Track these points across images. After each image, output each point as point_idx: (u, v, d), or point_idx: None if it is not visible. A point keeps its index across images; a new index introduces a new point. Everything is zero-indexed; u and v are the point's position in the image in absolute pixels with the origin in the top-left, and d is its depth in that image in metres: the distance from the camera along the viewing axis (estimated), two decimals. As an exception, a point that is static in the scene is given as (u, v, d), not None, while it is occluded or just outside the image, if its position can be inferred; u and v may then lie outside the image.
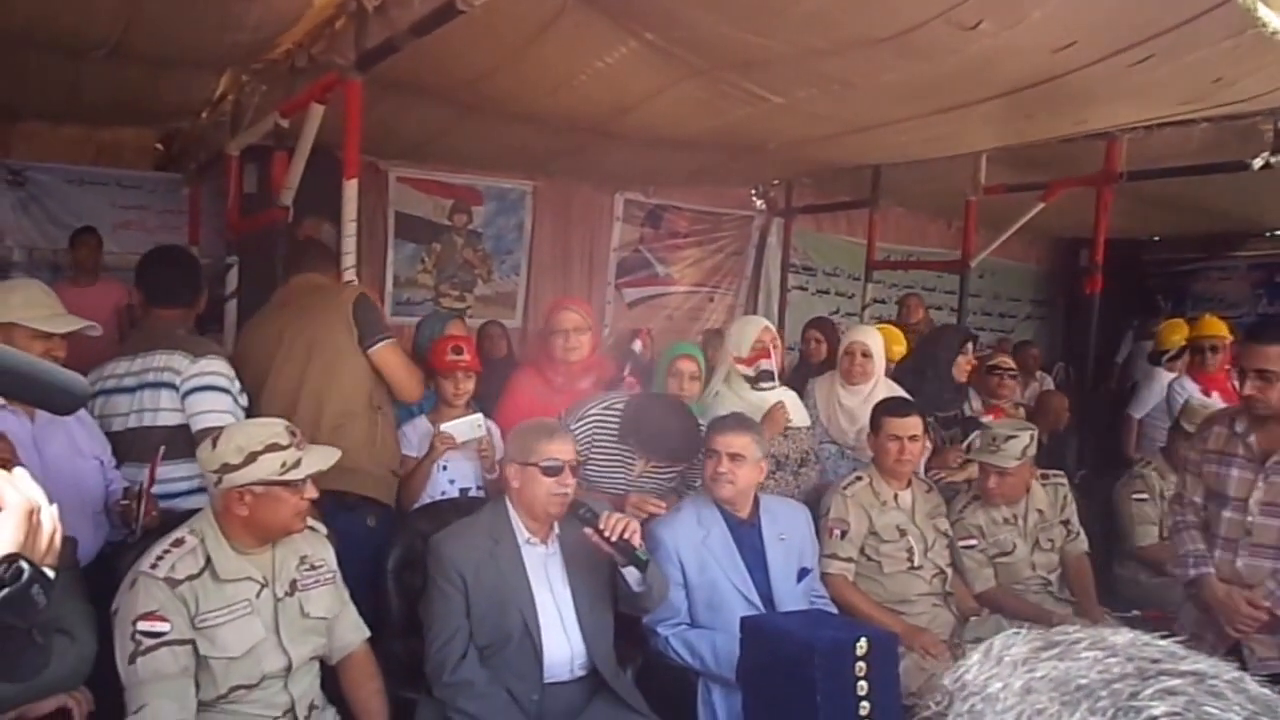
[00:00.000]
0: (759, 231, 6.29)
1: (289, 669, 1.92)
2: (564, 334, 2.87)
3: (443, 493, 2.75)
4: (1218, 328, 4.36)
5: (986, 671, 0.49)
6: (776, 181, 5.99)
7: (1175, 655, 0.46)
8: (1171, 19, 2.26)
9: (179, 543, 1.87)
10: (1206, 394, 4.04)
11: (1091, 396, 5.01)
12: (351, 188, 2.85)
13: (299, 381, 2.57)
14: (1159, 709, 0.43)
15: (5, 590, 0.62)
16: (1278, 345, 2.25)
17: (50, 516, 0.68)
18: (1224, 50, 2.41)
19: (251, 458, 1.85)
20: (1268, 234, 6.39)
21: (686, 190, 5.87)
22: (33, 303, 2.11)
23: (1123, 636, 0.48)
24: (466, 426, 2.70)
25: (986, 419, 3.60)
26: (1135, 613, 3.13)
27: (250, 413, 2.43)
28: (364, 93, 2.77)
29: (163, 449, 2.25)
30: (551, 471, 2.17)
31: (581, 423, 2.64)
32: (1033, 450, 2.95)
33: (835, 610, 2.59)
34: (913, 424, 2.81)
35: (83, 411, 2.21)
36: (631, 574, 2.15)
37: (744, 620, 2.19)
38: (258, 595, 1.90)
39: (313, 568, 2.01)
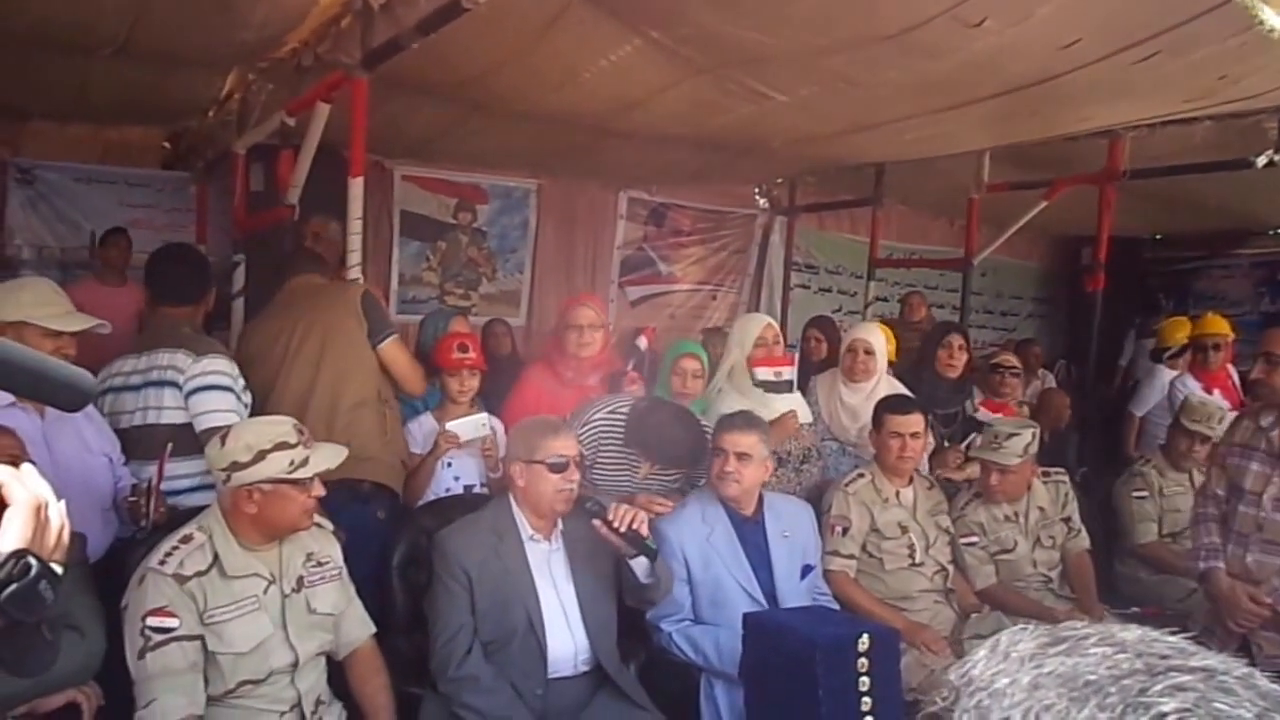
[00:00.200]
0: (762, 230, 6.28)
1: (296, 664, 1.94)
2: (578, 329, 2.89)
3: (447, 489, 2.77)
4: (1220, 326, 4.36)
5: (993, 667, 0.49)
6: (780, 180, 5.98)
7: (1185, 652, 0.46)
8: (1177, 16, 2.25)
9: (187, 539, 1.88)
10: (1208, 392, 4.04)
11: (1093, 394, 5.01)
12: (357, 186, 2.86)
13: (314, 372, 2.60)
14: (1169, 705, 0.42)
15: (13, 586, 0.62)
16: None
17: (58, 512, 0.68)
18: (1230, 47, 2.40)
19: (260, 456, 1.86)
20: (1270, 232, 6.37)
21: (690, 188, 5.86)
22: (43, 301, 2.12)
23: (1131, 633, 0.48)
24: (471, 425, 2.72)
25: (983, 413, 3.60)
26: (1135, 610, 3.13)
27: (262, 409, 2.45)
28: (369, 91, 2.77)
29: (170, 446, 2.27)
30: (558, 468, 2.18)
31: (587, 428, 2.65)
32: (1034, 448, 2.96)
33: (838, 607, 2.60)
34: (914, 421, 2.81)
35: (91, 409, 2.23)
36: (640, 565, 2.17)
37: (746, 616, 2.19)
38: (265, 591, 1.92)
39: (319, 564, 2.03)
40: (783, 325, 5.18)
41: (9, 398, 1.99)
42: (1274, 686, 0.44)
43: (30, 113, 4.37)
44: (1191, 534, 2.59)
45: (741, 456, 2.42)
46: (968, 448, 3.34)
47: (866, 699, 1.93)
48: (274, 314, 2.83)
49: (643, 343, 3.73)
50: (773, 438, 2.63)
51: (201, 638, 1.82)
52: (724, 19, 2.56)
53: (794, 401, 3.05)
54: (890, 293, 6.02)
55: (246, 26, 2.88)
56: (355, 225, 2.88)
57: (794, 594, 2.46)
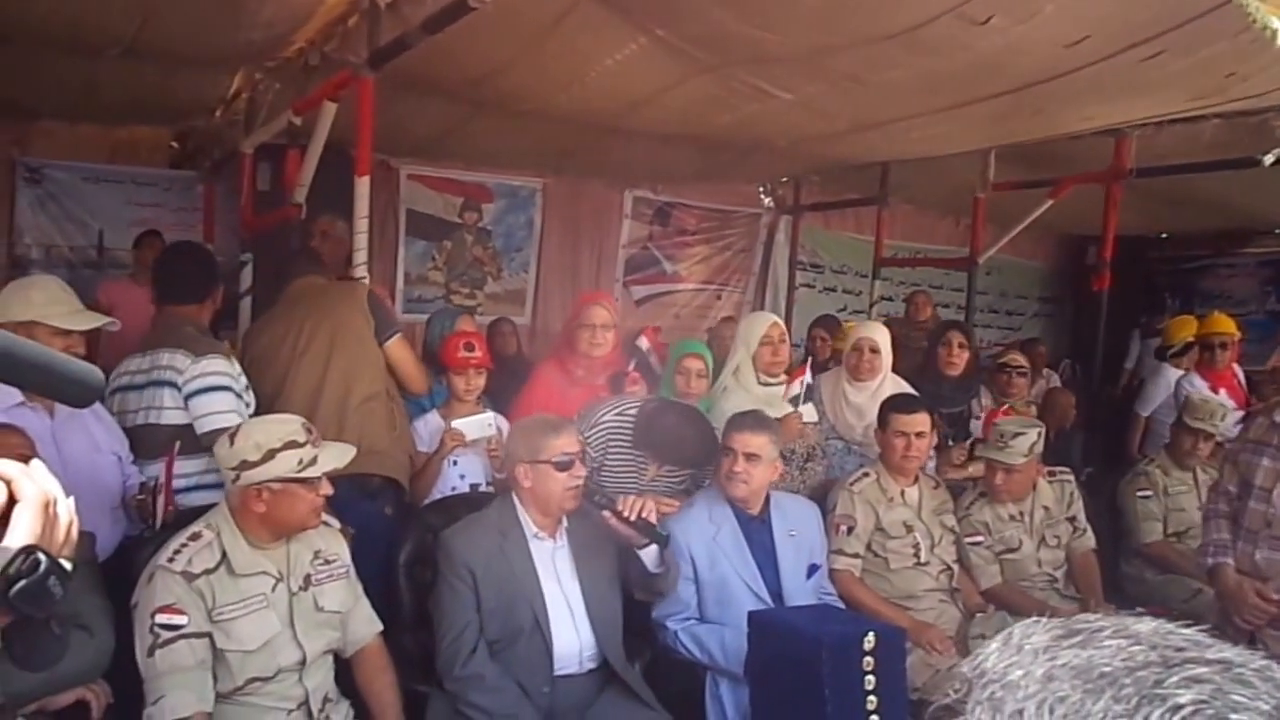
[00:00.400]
0: (767, 229, 6.28)
1: (303, 662, 1.94)
2: (592, 328, 2.90)
3: (453, 488, 2.78)
4: (1227, 325, 4.34)
5: (1007, 659, 0.48)
6: (785, 179, 5.98)
7: (1201, 644, 0.45)
8: (1185, 13, 2.24)
9: (195, 537, 1.89)
10: (1214, 391, 4.03)
11: (1098, 394, 5.00)
12: (364, 185, 2.86)
13: (323, 368, 2.61)
14: (1185, 697, 0.42)
15: (23, 582, 0.62)
16: None
17: (67, 509, 0.68)
18: (1238, 45, 2.39)
19: (270, 455, 1.86)
20: (1277, 231, 6.34)
21: (695, 187, 5.86)
22: (53, 300, 2.13)
23: (1146, 625, 0.47)
24: (476, 425, 2.73)
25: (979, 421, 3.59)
26: (1140, 610, 3.11)
27: (271, 407, 2.45)
28: (376, 90, 2.78)
29: (178, 444, 2.28)
30: (564, 466, 2.19)
31: (595, 429, 2.65)
32: (1039, 447, 2.95)
33: (844, 607, 2.60)
34: (919, 420, 2.81)
35: (99, 407, 2.24)
36: (650, 555, 2.18)
37: (752, 615, 2.19)
38: (273, 589, 1.92)
39: (326, 562, 2.03)
40: (788, 324, 5.17)
41: (18, 396, 2.00)
42: None
43: (39, 112, 4.39)
44: (1202, 530, 2.57)
45: (750, 457, 2.42)
46: (971, 447, 3.34)
47: (872, 698, 1.93)
48: (280, 315, 2.84)
49: (643, 343, 3.73)
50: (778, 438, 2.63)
51: (210, 635, 1.83)
52: (730, 17, 2.55)
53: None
54: (895, 292, 6.02)
55: (254, 26, 2.89)
56: (362, 224, 2.89)
57: (800, 593, 2.46)
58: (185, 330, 2.45)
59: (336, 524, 2.15)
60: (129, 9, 2.81)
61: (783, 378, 3.07)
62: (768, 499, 2.53)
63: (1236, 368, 4.40)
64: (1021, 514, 3.01)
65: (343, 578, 2.06)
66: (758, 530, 2.49)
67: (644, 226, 5.94)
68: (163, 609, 1.80)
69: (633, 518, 2.12)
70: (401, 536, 2.41)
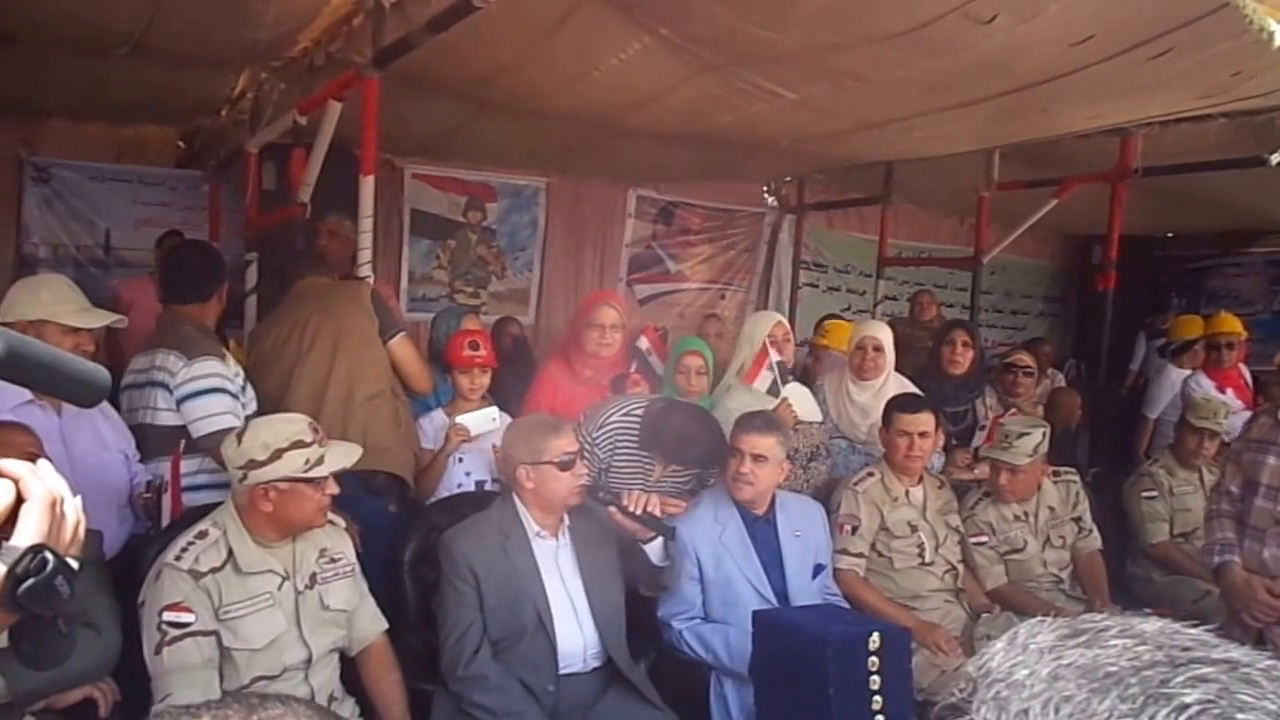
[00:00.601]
0: (771, 228, 6.27)
1: (309, 661, 1.95)
2: (600, 328, 2.90)
3: (459, 485, 2.79)
4: (1233, 325, 4.33)
5: (1012, 658, 0.48)
6: (788, 178, 5.97)
7: (1207, 643, 0.45)
8: (1186, 14, 2.24)
9: (202, 535, 1.90)
10: (1221, 391, 4.02)
11: (1104, 394, 4.99)
12: (368, 184, 2.87)
13: (328, 366, 2.62)
14: (1191, 696, 0.41)
15: (31, 580, 0.63)
16: None
17: (74, 508, 0.69)
18: (1244, 43, 2.38)
19: (276, 454, 1.87)
20: (1283, 230, 6.32)
21: (699, 186, 5.86)
22: (61, 298, 2.14)
23: (1152, 624, 0.47)
24: (481, 419, 2.75)
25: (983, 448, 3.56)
26: (1146, 611, 3.11)
27: (277, 406, 2.46)
28: (381, 90, 2.79)
29: (184, 443, 2.28)
30: (566, 465, 2.19)
31: (603, 430, 2.65)
32: (1045, 448, 2.94)
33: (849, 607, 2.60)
34: (923, 420, 2.81)
35: (107, 405, 2.25)
36: (655, 549, 2.18)
37: (756, 614, 2.19)
38: (279, 588, 1.93)
39: (332, 560, 2.04)
40: (791, 324, 5.17)
41: (26, 395, 2.01)
42: None
43: (46, 111, 4.41)
44: (1205, 530, 2.57)
45: (758, 459, 2.41)
46: (975, 449, 3.33)
47: (877, 698, 1.93)
48: (284, 315, 2.85)
49: (643, 343, 3.72)
50: None
51: (216, 633, 1.84)
52: (734, 16, 2.55)
53: (792, 388, 3.03)
54: (899, 291, 6.00)
55: (259, 26, 2.90)
56: (366, 224, 2.90)
57: (805, 593, 2.46)
58: (184, 330, 2.45)
59: (343, 521, 2.15)
60: (136, 9, 2.82)
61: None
62: (773, 499, 2.53)
63: (1243, 367, 4.38)
64: (1026, 514, 3.00)
65: (348, 576, 2.07)
66: (763, 530, 2.49)
67: (648, 226, 5.94)
68: (170, 607, 1.81)
69: (639, 512, 2.13)
70: (406, 535, 2.42)
